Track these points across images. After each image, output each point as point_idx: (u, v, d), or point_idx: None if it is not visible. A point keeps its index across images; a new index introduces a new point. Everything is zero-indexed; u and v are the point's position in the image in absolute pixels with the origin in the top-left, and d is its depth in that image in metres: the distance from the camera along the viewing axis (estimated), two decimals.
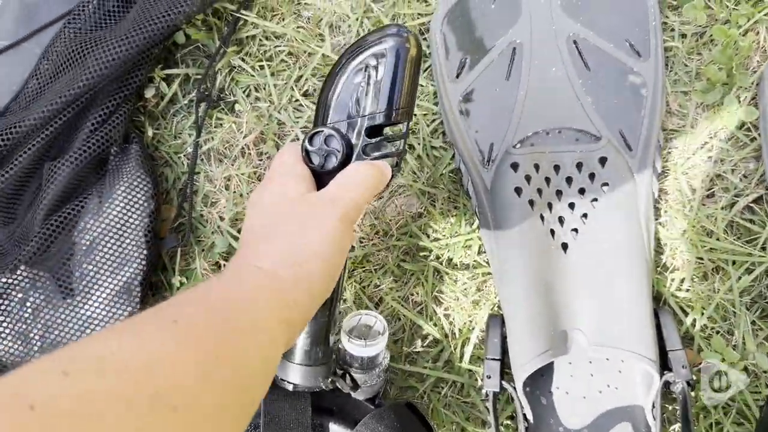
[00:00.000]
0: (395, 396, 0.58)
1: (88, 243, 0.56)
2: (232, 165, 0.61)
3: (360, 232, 0.59)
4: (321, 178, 0.43)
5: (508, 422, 0.56)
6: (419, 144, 0.59)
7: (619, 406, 0.53)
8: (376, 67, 0.42)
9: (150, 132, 0.62)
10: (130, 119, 0.61)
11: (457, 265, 0.58)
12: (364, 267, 0.59)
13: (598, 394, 0.54)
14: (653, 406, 0.51)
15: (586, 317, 0.51)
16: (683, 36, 0.57)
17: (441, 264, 0.58)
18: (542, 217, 0.53)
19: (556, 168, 0.54)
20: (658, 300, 0.55)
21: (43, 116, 0.56)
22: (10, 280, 0.55)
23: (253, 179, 0.61)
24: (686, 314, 0.54)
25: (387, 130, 0.44)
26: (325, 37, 0.62)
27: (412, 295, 0.58)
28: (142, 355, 0.27)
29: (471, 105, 0.57)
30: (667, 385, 0.50)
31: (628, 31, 0.56)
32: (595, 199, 0.53)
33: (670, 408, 0.54)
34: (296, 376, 0.46)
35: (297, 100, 0.61)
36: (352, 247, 0.59)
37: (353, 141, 0.43)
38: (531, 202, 0.53)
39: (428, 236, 0.58)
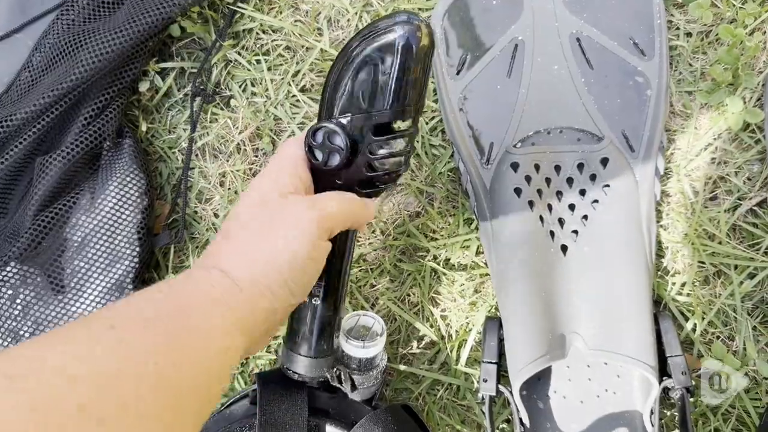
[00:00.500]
0: (391, 398, 0.57)
1: (80, 239, 0.55)
2: (227, 161, 0.60)
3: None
4: (324, 176, 0.41)
5: (504, 426, 0.56)
6: (418, 142, 0.58)
7: (617, 411, 0.52)
8: (383, 59, 0.38)
9: (144, 126, 0.61)
10: (124, 113, 0.60)
11: (454, 265, 0.57)
12: (360, 266, 0.58)
13: (595, 399, 0.53)
14: (651, 413, 0.50)
15: (585, 321, 0.51)
16: (688, 35, 0.56)
17: (438, 264, 0.57)
18: (542, 219, 0.52)
19: (557, 168, 0.53)
20: (658, 304, 0.54)
21: (34, 109, 0.55)
22: (0, 277, 0.54)
23: (248, 176, 0.60)
24: (687, 319, 0.54)
25: (396, 126, 0.41)
26: (323, 32, 0.61)
27: (409, 295, 0.57)
28: (71, 364, 0.25)
29: (471, 103, 0.56)
30: (665, 390, 0.50)
31: (632, 29, 0.54)
32: (596, 201, 0.52)
33: (669, 414, 0.54)
34: (301, 367, 0.46)
35: (294, 96, 0.60)
36: None
37: (358, 137, 0.40)
38: (531, 203, 0.52)
39: (426, 236, 0.57)
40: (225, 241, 0.37)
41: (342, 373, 0.48)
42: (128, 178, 0.56)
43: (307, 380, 0.46)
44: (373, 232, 0.58)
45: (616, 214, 0.52)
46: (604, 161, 0.52)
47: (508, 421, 0.56)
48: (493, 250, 0.54)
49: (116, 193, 0.56)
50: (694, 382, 0.50)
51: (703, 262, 0.54)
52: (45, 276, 0.55)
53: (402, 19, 0.38)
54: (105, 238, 0.55)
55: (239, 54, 0.61)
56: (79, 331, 0.28)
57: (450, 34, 0.57)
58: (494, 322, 0.54)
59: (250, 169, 0.60)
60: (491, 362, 0.52)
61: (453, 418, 0.56)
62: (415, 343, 0.57)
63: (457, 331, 0.56)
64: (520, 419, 0.51)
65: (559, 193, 0.53)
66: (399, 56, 0.38)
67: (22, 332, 0.54)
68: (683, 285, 0.54)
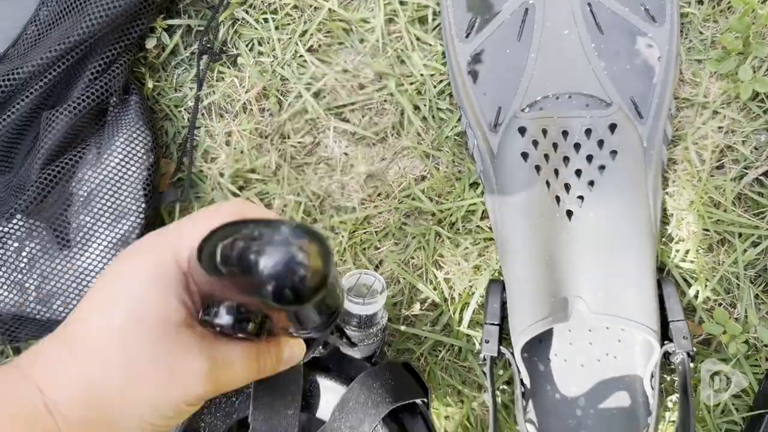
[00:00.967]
0: (393, 358, 0.58)
1: (85, 194, 0.55)
2: (234, 120, 0.60)
3: (362, 194, 0.58)
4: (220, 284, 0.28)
5: (505, 387, 0.56)
6: (425, 105, 0.57)
7: (618, 375, 0.53)
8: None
9: (150, 84, 0.61)
10: (131, 70, 0.59)
11: (459, 229, 0.57)
12: (364, 229, 0.58)
13: (596, 363, 0.53)
14: (652, 376, 0.50)
15: (588, 285, 0.51)
16: (700, 2, 0.56)
17: (443, 228, 0.57)
18: (548, 183, 0.52)
19: (564, 133, 0.53)
20: (661, 270, 0.55)
21: (41, 63, 0.55)
22: (6, 229, 0.54)
23: (254, 135, 0.60)
24: (689, 285, 0.54)
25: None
26: None
27: (413, 258, 0.58)
28: None
29: (480, 66, 0.55)
30: (666, 355, 0.50)
31: None
32: (603, 167, 0.52)
33: (668, 379, 0.54)
34: None
35: (301, 56, 0.59)
36: (353, 209, 0.58)
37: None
38: (537, 168, 0.52)
39: (431, 200, 0.57)
40: (66, 359, 0.28)
41: (342, 330, 0.48)
42: (134, 135, 0.56)
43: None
44: (378, 194, 0.58)
45: (622, 180, 0.52)
46: (612, 127, 0.52)
47: (508, 383, 0.56)
48: (498, 214, 0.54)
49: (122, 149, 0.56)
50: (695, 348, 0.51)
51: (707, 230, 0.54)
52: (50, 230, 0.55)
53: (276, 243, 0.23)
54: (111, 193, 0.55)
55: (247, 12, 0.61)
56: None
57: None
58: (497, 284, 0.54)
59: (256, 128, 0.60)
60: (493, 324, 0.52)
61: (454, 379, 0.56)
62: (417, 305, 0.57)
63: (460, 294, 0.57)
64: (521, 381, 0.52)
65: (566, 159, 0.53)
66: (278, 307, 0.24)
67: (27, 284, 0.54)
68: (687, 252, 0.54)
